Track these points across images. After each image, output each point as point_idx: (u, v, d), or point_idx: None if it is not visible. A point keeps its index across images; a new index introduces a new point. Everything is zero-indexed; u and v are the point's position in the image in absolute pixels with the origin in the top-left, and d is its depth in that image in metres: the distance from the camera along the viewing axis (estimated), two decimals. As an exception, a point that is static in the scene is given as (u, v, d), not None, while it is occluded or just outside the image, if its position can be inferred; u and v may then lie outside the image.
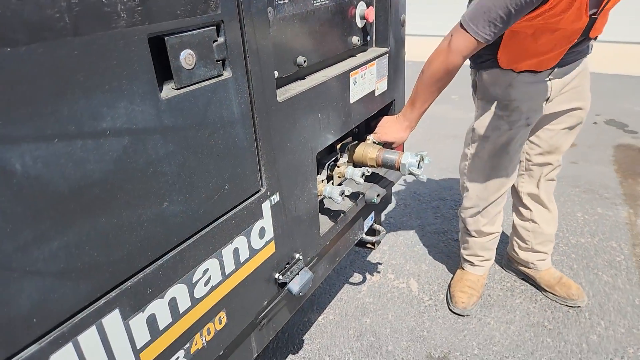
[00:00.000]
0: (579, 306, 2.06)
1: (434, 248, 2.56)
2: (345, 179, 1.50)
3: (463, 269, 2.21)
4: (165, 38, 0.73)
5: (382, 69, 1.54)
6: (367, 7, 1.41)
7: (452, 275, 2.28)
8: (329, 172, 1.49)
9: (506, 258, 2.33)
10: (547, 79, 1.68)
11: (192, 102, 0.80)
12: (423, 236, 2.67)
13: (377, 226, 1.88)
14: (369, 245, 2.22)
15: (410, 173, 1.48)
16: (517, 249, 2.18)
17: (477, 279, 2.14)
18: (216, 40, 0.83)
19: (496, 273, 2.32)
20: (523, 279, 2.25)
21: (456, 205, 2.97)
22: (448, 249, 2.54)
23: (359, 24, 1.41)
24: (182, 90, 0.78)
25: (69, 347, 0.68)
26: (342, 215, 1.47)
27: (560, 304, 2.08)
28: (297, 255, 1.25)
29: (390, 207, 2.95)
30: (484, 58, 1.70)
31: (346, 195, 1.39)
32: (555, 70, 1.66)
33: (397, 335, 1.98)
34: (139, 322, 0.79)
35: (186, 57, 0.77)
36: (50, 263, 0.63)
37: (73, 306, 0.68)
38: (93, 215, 0.68)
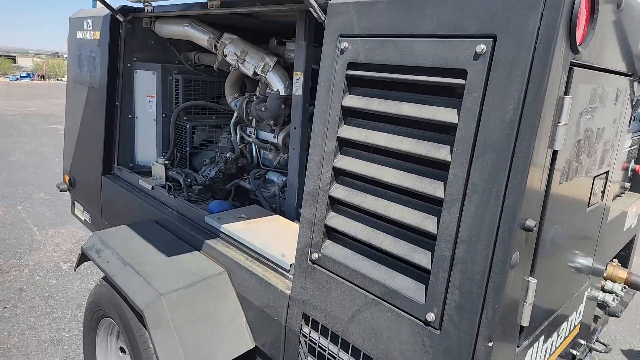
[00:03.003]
0: None
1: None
2: (605, 290, 1.86)
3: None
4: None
5: (638, 209, 1.95)
6: (637, 164, 1.88)
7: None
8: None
9: None
10: None
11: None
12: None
13: (601, 340, 2.14)
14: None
15: (663, 297, 1.79)
16: None
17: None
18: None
19: None
20: None
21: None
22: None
23: (629, 174, 1.88)
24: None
25: (541, 340, 1.14)
26: (599, 319, 1.81)
27: None
28: (582, 342, 1.61)
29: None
30: None
31: (610, 304, 1.74)
32: None
33: None
34: (540, 349, 1.22)
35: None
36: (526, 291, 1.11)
37: (538, 324, 1.14)
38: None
